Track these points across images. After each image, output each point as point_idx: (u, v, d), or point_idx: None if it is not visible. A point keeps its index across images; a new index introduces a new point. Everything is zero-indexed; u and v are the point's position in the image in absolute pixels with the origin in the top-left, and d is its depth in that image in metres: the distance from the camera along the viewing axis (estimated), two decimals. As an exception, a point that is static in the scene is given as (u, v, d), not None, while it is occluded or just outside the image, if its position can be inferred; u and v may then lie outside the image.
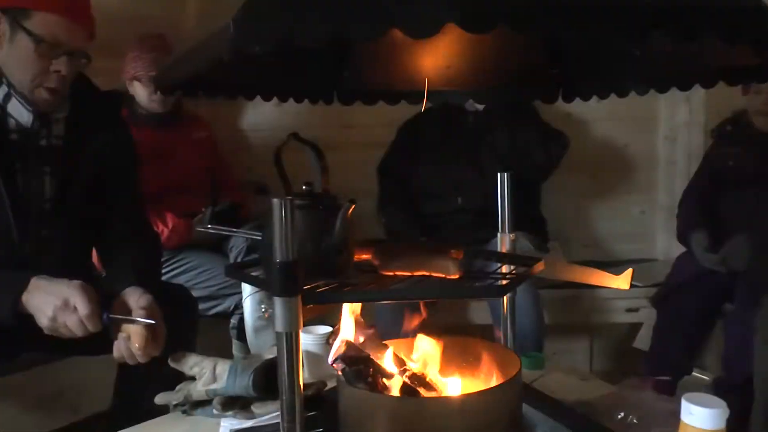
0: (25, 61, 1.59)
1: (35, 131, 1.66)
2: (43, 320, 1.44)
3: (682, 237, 2.47)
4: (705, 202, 2.51)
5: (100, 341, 1.68)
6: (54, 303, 1.42)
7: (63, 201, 1.70)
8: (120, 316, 1.48)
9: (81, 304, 1.42)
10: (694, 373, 2.33)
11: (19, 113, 1.64)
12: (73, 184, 1.71)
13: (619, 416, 1.36)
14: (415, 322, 1.35)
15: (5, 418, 1.93)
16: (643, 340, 2.54)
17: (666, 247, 3.15)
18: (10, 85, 1.63)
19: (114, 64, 2.59)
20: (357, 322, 1.26)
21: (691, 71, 1.41)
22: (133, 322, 1.47)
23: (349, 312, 1.25)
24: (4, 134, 1.63)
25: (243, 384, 1.39)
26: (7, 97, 1.63)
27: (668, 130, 3.13)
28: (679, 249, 2.55)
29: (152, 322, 1.47)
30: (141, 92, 2.58)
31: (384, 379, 1.22)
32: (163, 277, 2.46)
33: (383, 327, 1.40)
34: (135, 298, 1.52)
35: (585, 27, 0.83)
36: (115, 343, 1.50)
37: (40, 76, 1.60)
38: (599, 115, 3.13)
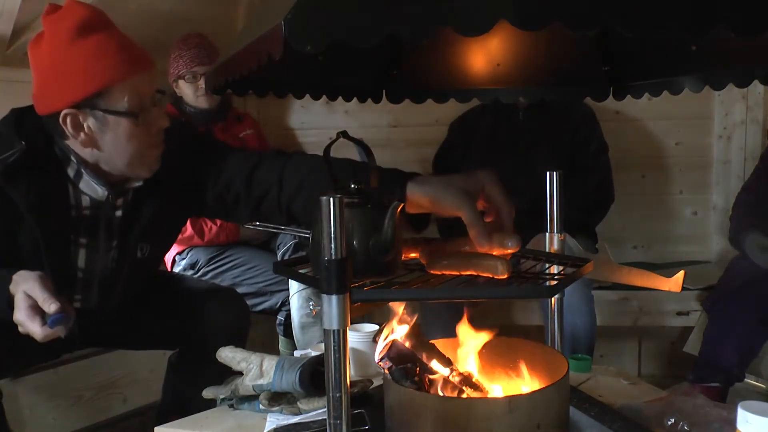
0: (127, 143, 1.42)
1: (111, 203, 1.53)
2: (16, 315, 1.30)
3: (735, 239, 2.40)
4: (762, 202, 2.43)
5: (144, 336, 1.72)
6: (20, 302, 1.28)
7: (122, 264, 1.60)
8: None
9: (38, 294, 1.28)
10: (748, 380, 2.26)
11: (93, 189, 1.50)
12: (132, 251, 1.60)
13: (670, 422, 1.32)
14: (462, 321, 1.34)
15: (61, 407, 1.99)
16: (693, 345, 2.47)
17: (720, 249, 3.07)
18: (80, 162, 1.46)
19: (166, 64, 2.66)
20: (404, 321, 1.26)
21: (749, 67, 1.37)
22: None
23: (397, 311, 1.25)
24: (78, 210, 1.51)
25: (290, 380, 1.40)
26: (78, 176, 1.48)
27: (723, 128, 3.05)
28: (733, 252, 2.48)
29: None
30: (186, 90, 2.63)
31: (430, 379, 1.22)
32: (211, 273, 2.51)
33: (429, 326, 1.39)
34: None
35: (642, 22, 0.81)
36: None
37: (143, 148, 1.44)
38: (650, 113, 3.07)
